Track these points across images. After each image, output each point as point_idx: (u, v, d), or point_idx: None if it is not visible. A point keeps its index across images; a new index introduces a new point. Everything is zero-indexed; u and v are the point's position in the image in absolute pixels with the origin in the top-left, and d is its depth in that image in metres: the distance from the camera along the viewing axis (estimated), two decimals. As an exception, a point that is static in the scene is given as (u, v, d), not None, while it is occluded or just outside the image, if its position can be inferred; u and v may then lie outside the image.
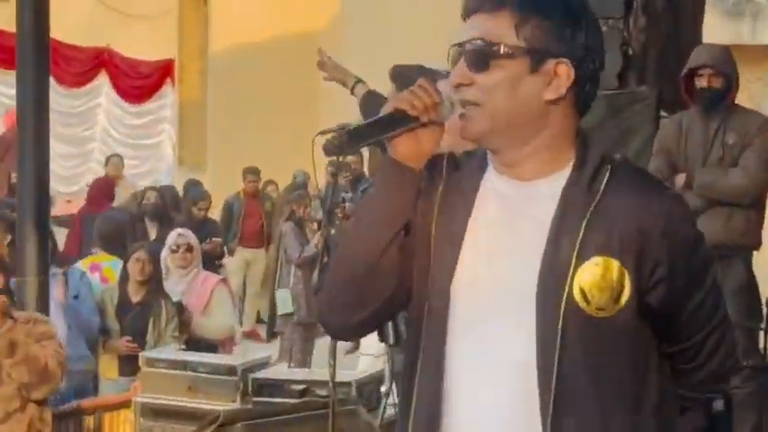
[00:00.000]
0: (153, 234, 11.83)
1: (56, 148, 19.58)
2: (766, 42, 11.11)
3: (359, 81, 6.19)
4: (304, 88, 16.25)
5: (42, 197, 6.01)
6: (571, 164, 2.71)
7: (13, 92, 18.68)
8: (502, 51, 2.66)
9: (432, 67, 5.91)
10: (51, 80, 18.28)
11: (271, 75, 16.23)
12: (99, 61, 18.18)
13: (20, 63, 6.01)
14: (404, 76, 5.36)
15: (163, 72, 18.59)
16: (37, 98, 5.96)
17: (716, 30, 8.78)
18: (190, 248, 10.25)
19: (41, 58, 5.95)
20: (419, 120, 2.70)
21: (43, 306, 6.17)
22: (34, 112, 5.92)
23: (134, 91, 18.82)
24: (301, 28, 16.79)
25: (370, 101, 5.69)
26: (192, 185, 14.85)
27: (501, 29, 2.69)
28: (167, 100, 18.69)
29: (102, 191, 14.82)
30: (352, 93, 6.19)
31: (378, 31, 14.18)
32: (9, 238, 9.29)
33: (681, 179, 6.88)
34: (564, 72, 2.67)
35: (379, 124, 2.72)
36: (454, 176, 2.82)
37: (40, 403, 5.77)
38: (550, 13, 2.72)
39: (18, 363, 5.57)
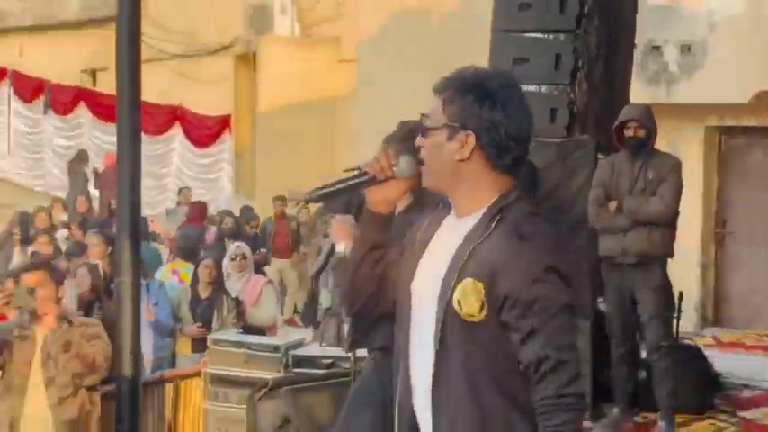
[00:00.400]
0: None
1: (142, 182, 19.67)
2: (678, 102, 11.21)
3: None
4: (324, 136, 16.45)
5: (135, 217, 5.89)
6: (487, 206, 2.87)
7: (112, 139, 18.83)
8: (431, 125, 2.89)
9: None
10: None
11: (301, 126, 16.23)
12: (174, 116, 18.20)
13: (119, 118, 5.93)
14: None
15: (222, 124, 18.50)
16: (132, 144, 5.90)
17: (640, 93, 8.81)
18: (244, 257, 10.36)
19: (135, 115, 5.91)
20: (375, 178, 2.97)
21: (136, 301, 5.80)
22: (130, 154, 5.88)
23: (201, 138, 18.75)
24: (325, 93, 16.87)
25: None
26: (247, 210, 14.90)
27: (437, 108, 2.90)
28: (226, 145, 18.57)
29: (200, 211, 15.06)
30: None
31: (390, 95, 14.18)
32: (110, 249, 9.42)
33: (613, 205, 6.86)
34: (469, 140, 2.83)
35: (347, 181, 2.99)
36: (436, 212, 3.05)
37: (90, 389, 5.60)
38: (467, 95, 2.86)
39: (72, 358, 5.42)
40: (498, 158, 2.90)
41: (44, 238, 9.09)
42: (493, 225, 2.81)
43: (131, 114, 5.84)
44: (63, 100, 20.97)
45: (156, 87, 19.78)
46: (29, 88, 21.85)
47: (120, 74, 5.82)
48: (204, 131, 18.83)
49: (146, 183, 19.18)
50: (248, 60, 18.27)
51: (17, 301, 5.41)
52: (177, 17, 19.72)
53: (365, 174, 3.04)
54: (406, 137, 4.23)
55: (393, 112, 11.19)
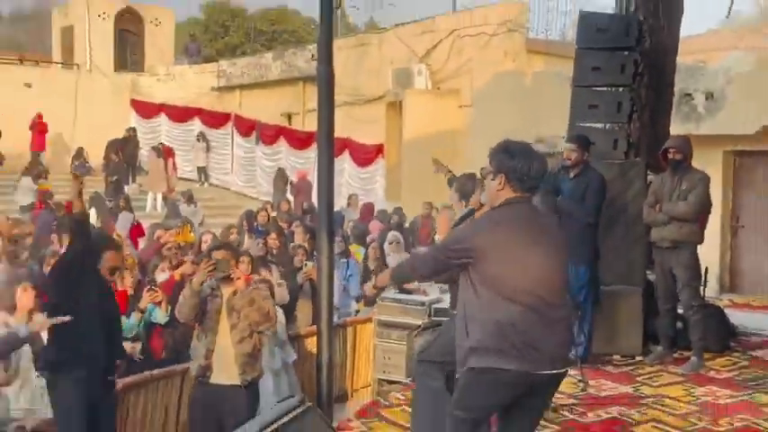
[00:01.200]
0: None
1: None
2: (704, 133, 11.11)
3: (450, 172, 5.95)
4: (448, 159, 16.50)
5: (330, 213, 5.93)
6: None
7: (301, 161, 19.19)
8: (485, 173, 3.85)
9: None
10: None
11: (432, 152, 16.28)
12: (344, 145, 18.38)
13: (319, 146, 6.05)
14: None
15: (377, 151, 18.60)
16: (328, 164, 5.95)
17: (676, 127, 8.77)
18: (399, 242, 10.66)
19: (330, 143, 6.01)
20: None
21: (330, 271, 5.92)
22: (326, 171, 5.92)
23: (362, 161, 18.97)
24: (449, 129, 16.90)
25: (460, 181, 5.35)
26: (396, 210, 15.06)
27: (487, 163, 3.76)
28: (379, 165, 18.63)
29: (369, 211, 15.35)
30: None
31: (495, 131, 14.26)
32: (308, 235, 9.74)
33: (658, 207, 6.85)
34: (501, 179, 3.66)
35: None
36: None
37: (260, 334, 5.46)
38: (497, 156, 3.71)
39: (254, 311, 5.34)
40: (524, 185, 3.65)
41: (274, 234, 9.33)
42: None
43: (328, 143, 6.03)
44: (268, 134, 21.51)
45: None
46: (245, 127, 22.31)
47: (320, 116, 6.00)
48: (364, 156, 18.94)
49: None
50: (395, 106, 18.24)
51: (219, 268, 5.29)
52: (347, 77, 20.11)
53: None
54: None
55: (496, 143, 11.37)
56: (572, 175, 6.81)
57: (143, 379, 6.46)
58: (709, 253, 9.36)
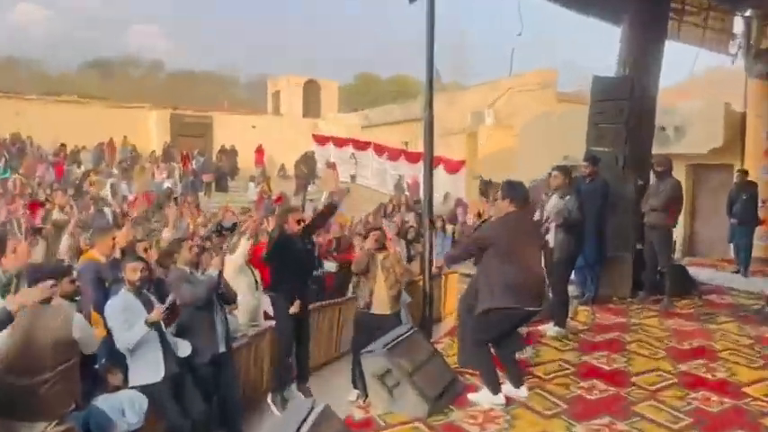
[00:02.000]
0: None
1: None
2: (674, 152, 10.32)
3: None
4: (507, 173, 16.04)
5: (430, 204, 5.46)
6: None
7: (412, 171, 18.99)
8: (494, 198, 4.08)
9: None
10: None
11: (495, 167, 15.83)
12: (439, 160, 17.86)
13: (425, 162, 5.50)
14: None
15: (461, 164, 18.23)
16: (429, 173, 5.44)
17: (656, 149, 8.23)
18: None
19: (431, 159, 5.40)
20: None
21: (431, 243, 5.47)
22: (428, 178, 5.45)
23: (451, 169, 18.71)
24: (506, 151, 16.38)
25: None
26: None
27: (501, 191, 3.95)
28: (463, 173, 18.18)
29: (458, 203, 14.53)
30: None
31: (536, 155, 13.80)
32: (417, 219, 9.63)
33: (647, 201, 6.50)
34: (507, 201, 3.84)
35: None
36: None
37: (400, 282, 5.24)
38: (505, 189, 3.91)
39: (399, 267, 5.21)
40: (516, 203, 3.82)
41: (396, 218, 9.25)
42: None
43: (429, 160, 5.65)
44: (393, 154, 21.46)
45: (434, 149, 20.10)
46: (380, 150, 22.14)
47: (425, 143, 5.68)
48: (451, 166, 18.58)
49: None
50: (473, 136, 17.95)
51: (379, 241, 5.17)
52: (441, 118, 19.79)
53: None
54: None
55: (539, 165, 11.03)
56: (587, 181, 6.52)
57: (322, 305, 6.67)
58: (679, 231, 8.93)
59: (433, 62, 5.32)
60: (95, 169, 16.12)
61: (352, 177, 22.98)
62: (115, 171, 16.72)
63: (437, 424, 3.58)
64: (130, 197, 13.19)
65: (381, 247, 5.29)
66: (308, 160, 21.97)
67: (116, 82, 39.60)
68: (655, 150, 7.89)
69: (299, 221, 5.32)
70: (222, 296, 4.53)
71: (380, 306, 5.21)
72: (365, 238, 5.72)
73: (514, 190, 3.94)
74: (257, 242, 6.01)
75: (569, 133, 12.70)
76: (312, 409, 2.65)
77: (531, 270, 3.80)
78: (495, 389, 3.82)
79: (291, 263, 5.14)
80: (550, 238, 5.37)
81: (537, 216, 5.49)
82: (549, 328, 5.46)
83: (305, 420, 2.52)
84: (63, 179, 14.76)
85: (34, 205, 8.23)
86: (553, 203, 5.53)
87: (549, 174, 5.73)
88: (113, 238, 4.63)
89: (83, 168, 16.84)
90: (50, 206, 7.90)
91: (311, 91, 27.64)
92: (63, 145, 18.03)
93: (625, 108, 7.05)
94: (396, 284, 5.22)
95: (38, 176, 14.20)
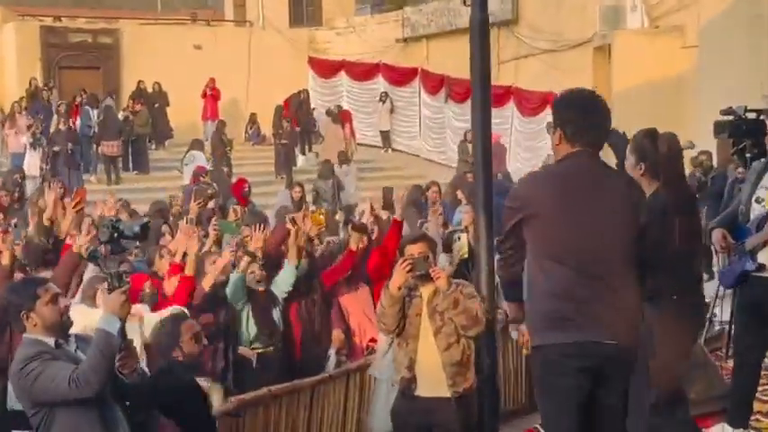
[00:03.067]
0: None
1: (521, 154, 19.85)
2: None
3: None
4: (670, 115, 15.75)
5: (488, 193, 5.59)
6: None
7: (496, 120, 19.08)
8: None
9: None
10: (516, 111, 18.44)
11: (649, 106, 15.51)
12: (545, 101, 17.99)
13: (473, 109, 5.73)
14: None
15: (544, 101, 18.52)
16: (483, 128, 5.71)
17: None
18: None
19: (487, 103, 5.71)
20: None
21: (490, 259, 5.56)
22: (482, 134, 5.74)
23: (529, 111, 18.94)
24: (670, 76, 16.25)
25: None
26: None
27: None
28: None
29: None
30: None
31: (727, 79, 13.46)
32: None
33: None
34: (558, 133, 4.03)
35: None
36: None
37: (468, 338, 5.37)
38: (555, 109, 4.21)
39: (459, 313, 5.27)
40: (578, 140, 4.02)
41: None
42: None
43: (483, 105, 5.60)
44: (459, 90, 21.32)
45: (529, 77, 19.85)
46: (433, 83, 22.40)
47: (473, 70, 5.62)
48: (530, 106, 18.99)
49: (523, 155, 19.57)
50: (604, 51, 17.91)
51: (417, 267, 5.27)
52: (547, 19, 19.69)
53: None
54: None
55: (730, 93, 10.62)
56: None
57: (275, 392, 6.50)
58: None
59: None
60: None
61: (385, 136, 23.09)
62: None
63: None
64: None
65: (424, 276, 5.38)
66: (297, 107, 22.00)
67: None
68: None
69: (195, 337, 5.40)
70: (123, 386, 4.33)
71: (430, 384, 5.36)
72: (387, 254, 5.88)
73: (575, 109, 4.02)
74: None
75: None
76: None
77: (598, 275, 3.84)
78: None
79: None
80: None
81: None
82: None
83: None
84: None
85: None
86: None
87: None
88: None
89: None
90: None
91: (305, -25, 27.53)
92: None
93: None
94: (456, 343, 5.39)
95: None
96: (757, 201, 5.16)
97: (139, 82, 22.46)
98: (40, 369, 4.04)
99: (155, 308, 6.37)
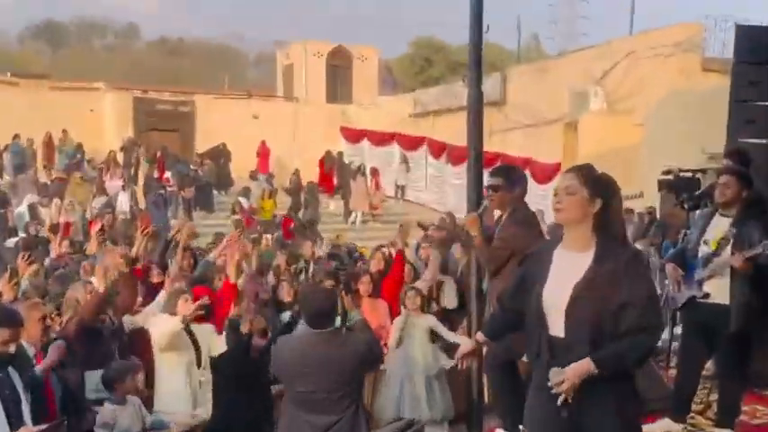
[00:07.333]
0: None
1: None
2: None
3: None
4: (625, 173, 15.57)
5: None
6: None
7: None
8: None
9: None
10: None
11: (608, 166, 15.37)
12: (526, 163, 17.83)
13: (468, 168, 5.66)
14: None
15: (555, 168, 17.86)
16: (476, 183, 5.51)
17: None
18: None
19: (479, 163, 5.62)
20: None
21: (479, 291, 5.29)
22: (475, 190, 5.51)
23: (542, 178, 18.47)
24: (624, 146, 15.97)
25: None
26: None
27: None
28: (556, 179, 18.22)
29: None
30: None
31: (667, 148, 13.38)
32: None
33: None
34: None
35: None
36: None
37: None
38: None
39: None
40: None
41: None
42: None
43: (476, 165, 5.65)
44: (457, 154, 21.35)
45: (515, 146, 19.88)
46: (437, 148, 22.31)
47: (469, 138, 5.70)
48: (544, 174, 18.34)
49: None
50: (573, 127, 17.74)
51: None
52: (528, 101, 19.78)
53: None
54: None
55: (669, 158, 10.60)
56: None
57: None
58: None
59: (481, 12, 5.18)
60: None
61: (400, 189, 23.15)
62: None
63: None
64: (61, 220, 13.30)
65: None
66: (334, 163, 22.15)
67: (71, 54, 41.12)
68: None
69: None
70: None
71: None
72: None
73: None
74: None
75: (719, 120, 12.16)
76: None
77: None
78: None
79: None
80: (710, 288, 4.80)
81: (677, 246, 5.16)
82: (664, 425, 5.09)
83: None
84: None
85: None
86: (716, 228, 4.88)
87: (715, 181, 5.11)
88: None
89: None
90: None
91: (339, 63, 27.87)
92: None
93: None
94: None
95: None
96: (705, 243, 5.07)
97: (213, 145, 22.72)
98: None
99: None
